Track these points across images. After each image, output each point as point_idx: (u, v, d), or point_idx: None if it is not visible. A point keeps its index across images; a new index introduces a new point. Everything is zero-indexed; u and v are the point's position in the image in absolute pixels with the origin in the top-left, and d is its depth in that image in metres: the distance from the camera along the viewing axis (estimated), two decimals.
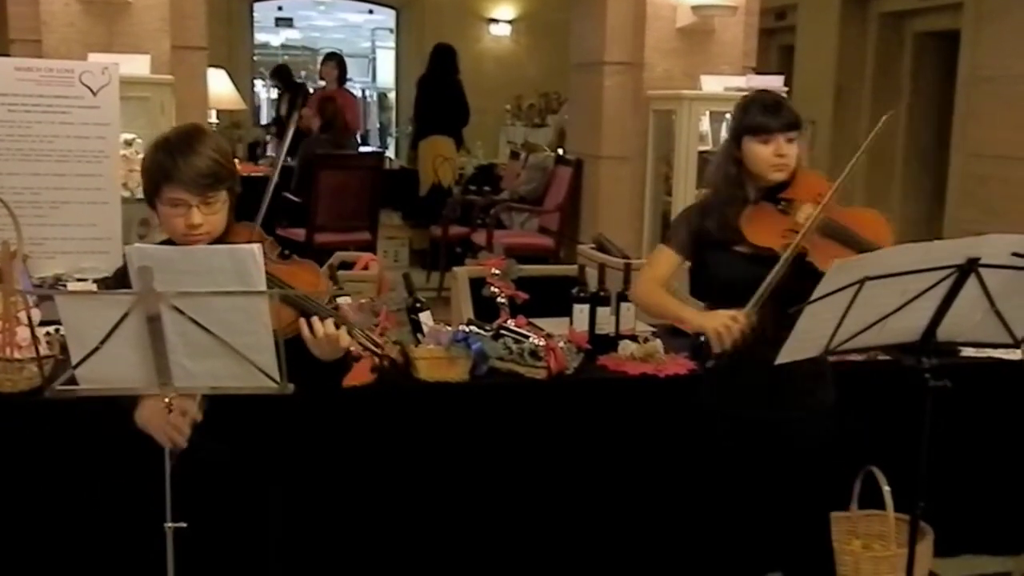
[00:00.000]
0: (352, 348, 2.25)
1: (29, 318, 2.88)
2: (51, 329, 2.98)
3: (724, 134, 5.47)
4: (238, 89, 9.02)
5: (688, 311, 2.80)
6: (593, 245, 4.51)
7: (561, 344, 3.29)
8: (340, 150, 7.51)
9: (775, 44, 10.21)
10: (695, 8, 5.47)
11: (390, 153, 12.11)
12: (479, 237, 7.28)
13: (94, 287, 3.58)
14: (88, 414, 2.49)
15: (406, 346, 3.22)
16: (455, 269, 4.01)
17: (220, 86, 7.99)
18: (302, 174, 7.09)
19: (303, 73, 14.75)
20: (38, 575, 2.98)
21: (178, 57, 4.95)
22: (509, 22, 12.22)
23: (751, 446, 2.79)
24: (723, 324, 2.59)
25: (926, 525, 2.99)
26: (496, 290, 3.34)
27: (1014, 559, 3.63)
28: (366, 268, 3.80)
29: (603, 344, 3.48)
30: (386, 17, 14.00)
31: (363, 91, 14.97)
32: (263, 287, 1.95)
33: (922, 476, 2.45)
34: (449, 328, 3.33)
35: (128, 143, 4.23)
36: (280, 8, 15.12)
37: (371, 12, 14.44)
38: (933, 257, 2.25)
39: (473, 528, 3.27)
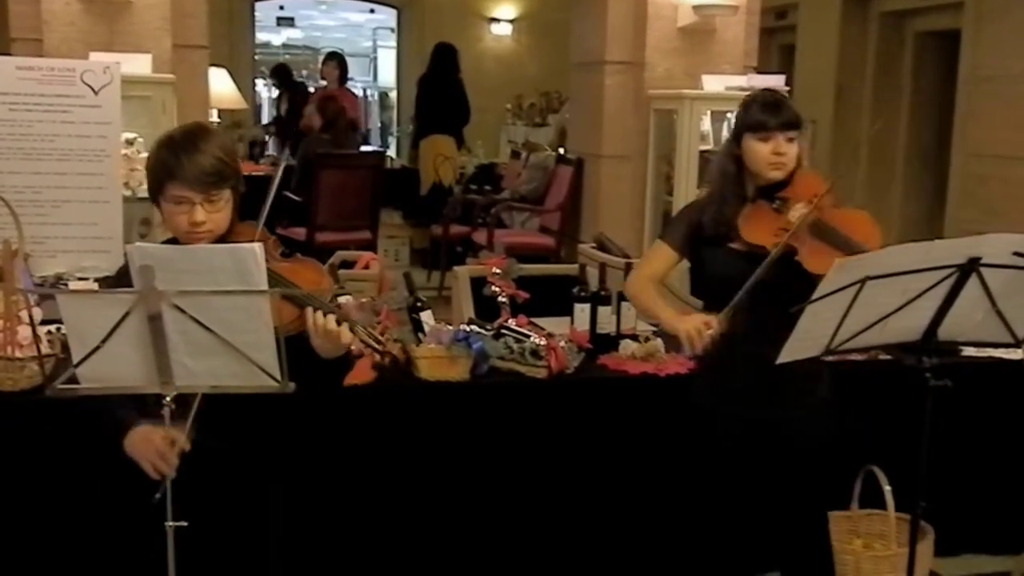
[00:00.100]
0: (353, 347, 2.26)
1: (30, 317, 2.88)
2: (52, 328, 2.99)
3: (725, 134, 5.48)
4: (239, 88, 9.03)
5: (665, 312, 2.83)
6: (594, 244, 4.51)
7: (562, 343, 3.30)
8: (340, 149, 7.51)
9: (776, 43, 10.21)
10: (696, 7, 5.47)
11: (391, 152, 12.11)
12: (480, 236, 7.28)
13: (95, 286, 3.58)
14: (88, 413, 2.49)
15: (407, 345, 3.22)
16: (456, 268, 4.01)
17: (221, 85, 8.00)
18: (302, 173, 7.10)
19: (304, 72, 14.76)
20: (38, 574, 2.98)
21: (179, 56, 4.95)
22: (510, 21, 12.22)
23: (750, 445, 2.80)
24: (695, 328, 2.64)
25: (927, 524, 2.99)
26: (497, 289, 3.34)
27: (1014, 558, 3.63)
28: (367, 267, 3.80)
29: (604, 343, 3.48)
30: (387, 16, 14.01)
31: (364, 90, 14.96)
32: (264, 286, 1.95)
33: (923, 476, 2.45)
34: (450, 327, 3.33)
35: (129, 142, 4.23)
36: (281, 7, 15.12)
37: (372, 11, 14.44)
38: (934, 257, 2.25)
39: (474, 527, 3.27)
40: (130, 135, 4.25)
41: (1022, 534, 3.63)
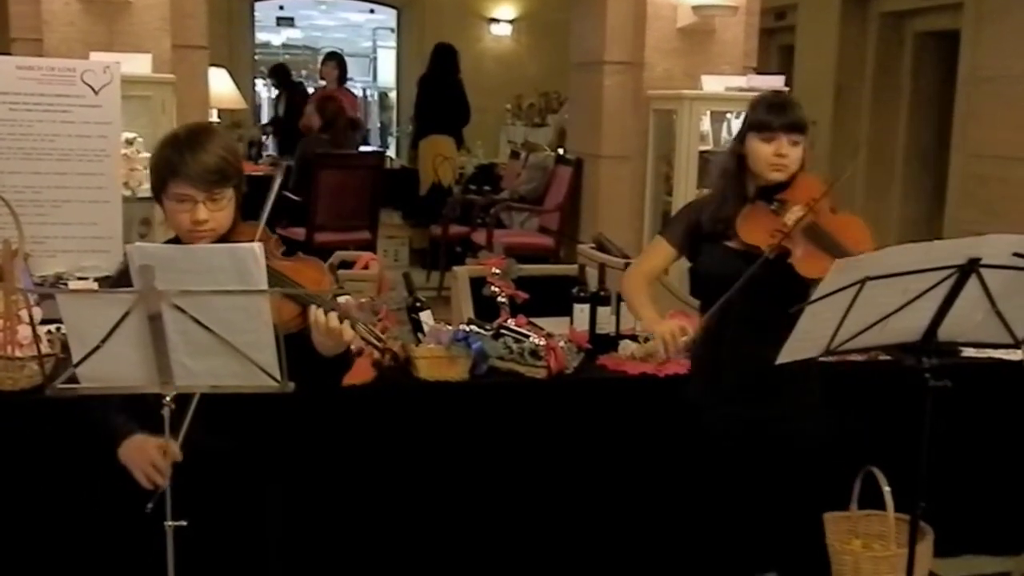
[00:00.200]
0: (353, 345, 2.26)
1: (30, 316, 2.88)
2: (52, 327, 2.99)
3: (725, 134, 5.50)
4: (239, 88, 9.03)
5: (648, 312, 2.85)
6: (593, 245, 4.51)
7: (561, 344, 3.30)
8: (339, 149, 7.51)
9: (775, 44, 10.21)
10: (695, 8, 5.47)
11: (390, 152, 12.12)
12: (479, 236, 7.28)
13: (95, 286, 3.58)
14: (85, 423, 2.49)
15: (407, 345, 3.22)
16: (455, 268, 4.01)
17: (221, 85, 8.00)
18: (300, 173, 7.10)
19: (304, 72, 14.76)
20: (39, 574, 2.98)
21: (179, 56, 4.95)
22: (510, 22, 12.22)
23: (744, 445, 2.80)
24: (670, 332, 2.68)
25: (926, 525, 2.99)
26: (496, 289, 3.35)
27: (1014, 559, 3.63)
28: (366, 267, 3.80)
29: (603, 344, 3.49)
30: (387, 17, 14.01)
31: (364, 90, 14.98)
32: (264, 286, 1.95)
33: (922, 476, 2.45)
34: (449, 327, 3.33)
35: (129, 142, 4.24)
36: (281, 7, 15.12)
37: (372, 12, 14.44)
38: (934, 257, 2.25)
39: (473, 527, 3.27)
40: (130, 135, 4.25)
41: (1022, 535, 3.63)
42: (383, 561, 3.22)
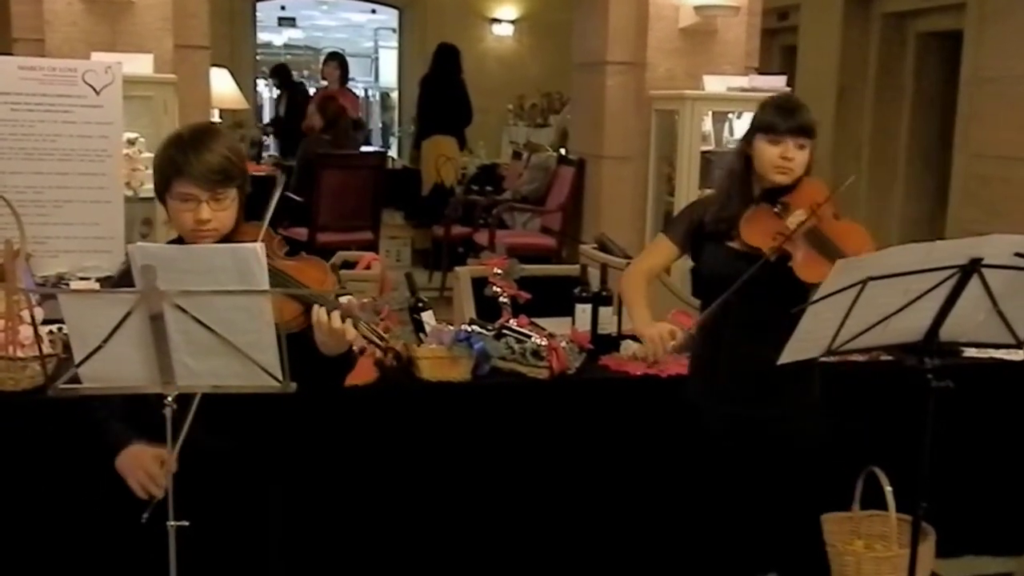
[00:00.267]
0: (355, 345, 2.26)
1: (32, 316, 2.89)
2: (54, 328, 2.99)
3: (727, 134, 5.50)
4: (241, 88, 9.03)
5: (638, 313, 2.85)
6: (595, 245, 4.51)
7: (563, 344, 3.29)
8: (341, 150, 7.52)
9: (777, 44, 10.21)
10: (697, 8, 5.47)
11: (392, 153, 12.12)
12: (481, 237, 7.28)
13: (97, 286, 3.58)
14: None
15: (409, 345, 3.22)
16: (457, 269, 4.01)
17: (223, 85, 8.00)
18: (302, 173, 7.10)
19: (305, 73, 14.77)
20: (40, 574, 2.98)
21: (181, 56, 4.96)
22: (512, 22, 12.22)
23: (744, 444, 2.80)
24: (658, 336, 2.70)
25: (928, 526, 2.99)
26: (498, 290, 3.34)
27: (1016, 560, 3.63)
28: (368, 268, 3.80)
29: (605, 344, 3.48)
30: (389, 17, 14.01)
31: (366, 91, 14.99)
32: (265, 286, 1.96)
33: (924, 477, 2.45)
34: (451, 328, 3.33)
35: (131, 142, 4.24)
36: (283, 8, 15.13)
37: (374, 12, 14.45)
38: (935, 257, 2.24)
39: (474, 527, 3.27)
40: (132, 135, 4.25)
41: None
42: (385, 562, 3.22)
